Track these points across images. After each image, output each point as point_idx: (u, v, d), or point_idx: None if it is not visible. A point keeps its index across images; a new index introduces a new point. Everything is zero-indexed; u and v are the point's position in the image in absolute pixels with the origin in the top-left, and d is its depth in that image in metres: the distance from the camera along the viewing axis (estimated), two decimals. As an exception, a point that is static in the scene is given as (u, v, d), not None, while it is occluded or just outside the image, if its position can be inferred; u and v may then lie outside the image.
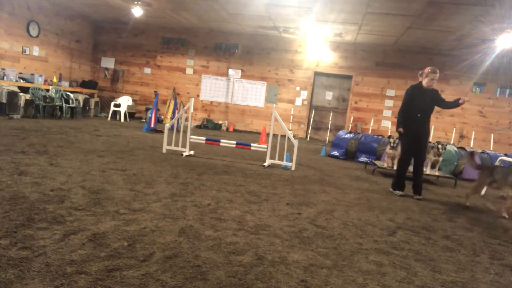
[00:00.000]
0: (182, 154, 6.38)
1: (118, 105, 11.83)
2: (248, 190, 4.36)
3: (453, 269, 2.69)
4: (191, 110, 6.69)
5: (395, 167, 6.62)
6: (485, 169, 4.97)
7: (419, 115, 5.01)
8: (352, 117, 12.19)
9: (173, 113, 10.99)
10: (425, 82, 5.00)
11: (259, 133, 12.05)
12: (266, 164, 6.29)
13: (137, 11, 10.19)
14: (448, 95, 11.53)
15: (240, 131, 12.82)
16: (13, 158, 4.53)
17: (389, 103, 11.96)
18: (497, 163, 6.06)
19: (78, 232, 2.56)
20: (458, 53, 11.20)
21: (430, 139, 11.05)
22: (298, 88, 12.52)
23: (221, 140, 6.54)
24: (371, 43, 11.63)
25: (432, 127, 11.54)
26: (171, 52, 13.21)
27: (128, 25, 12.79)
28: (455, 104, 4.93)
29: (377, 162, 7.14)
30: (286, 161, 6.44)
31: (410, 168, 5.29)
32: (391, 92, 11.92)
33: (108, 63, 13.67)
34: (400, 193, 5.19)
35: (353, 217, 3.75)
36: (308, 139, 12.37)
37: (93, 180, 4.00)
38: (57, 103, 10.06)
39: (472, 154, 5.18)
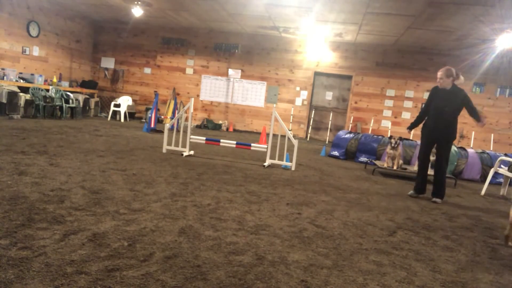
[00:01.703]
0: (182, 154, 6.38)
1: (118, 105, 11.83)
2: (248, 190, 4.36)
3: (453, 269, 2.69)
4: (191, 110, 6.69)
5: (395, 167, 6.65)
6: None
7: (436, 116, 4.87)
8: (352, 117, 12.19)
9: (173, 113, 10.99)
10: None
11: (259, 133, 12.05)
12: (266, 164, 6.29)
13: (137, 11, 10.19)
14: (448, 95, 11.53)
15: (240, 131, 12.82)
16: (13, 158, 4.53)
17: (389, 103, 11.96)
18: (496, 163, 6.06)
19: (78, 232, 2.56)
20: (458, 53, 11.20)
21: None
22: (298, 88, 12.52)
23: (221, 140, 6.54)
24: (371, 43, 11.63)
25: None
26: (171, 52, 13.21)
27: (128, 25, 12.80)
28: (476, 117, 4.79)
29: (377, 162, 7.14)
30: (286, 161, 6.44)
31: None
32: (391, 92, 11.92)
33: (108, 63, 13.67)
34: (410, 192, 5.18)
35: (353, 217, 3.75)
36: (308, 139, 12.37)
37: (93, 180, 4.00)
38: (57, 103, 10.06)
39: None
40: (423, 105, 5.17)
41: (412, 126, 5.24)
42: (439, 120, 4.85)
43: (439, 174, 4.95)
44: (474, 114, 4.83)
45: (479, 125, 4.87)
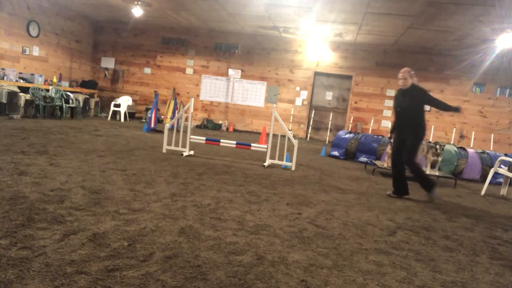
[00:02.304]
0: (182, 154, 6.38)
1: (118, 105, 11.83)
2: (248, 190, 4.36)
3: (453, 269, 2.69)
4: (191, 110, 6.69)
5: (395, 167, 6.63)
6: None
7: (400, 116, 4.99)
8: (352, 117, 12.19)
9: (173, 113, 10.99)
10: None
11: (259, 133, 12.04)
12: (266, 164, 6.29)
13: (137, 11, 10.19)
14: (448, 95, 11.54)
15: (240, 131, 12.82)
16: (13, 158, 4.53)
17: (389, 103, 11.95)
18: (496, 163, 6.05)
19: (78, 232, 2.56)
20: (458, 53, 11.20)
21: (430, 139, 11.07)
22: (298, 88, 12.52)
23: (221, 140, 6.54)
24: (371, 43, 11.63)
25: (432, 127, 11.54)
26: (171, 52, 13.21)
27: (128, 25, 12.79)
28: (452, 108, 4.78)
29: (377, 162, 7.14)
30: (286, 161, 6.44)
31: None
32: (391, 92, 11.91)
33: (108, 63, 13.67)
34: (389, 192, 5.09)
35: (353, 217, 3.75)
36: (308, 139, 12.37)
37: (93, 180, 4.00)
38: (57, 103, 10.06)
39: None
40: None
41: (392, 131, 5.24)
42: (403, 119, 4.92)
43: (397, 171, 4.95)
44: (441, 106, 4.84)
45: (458, 112, 4.92)
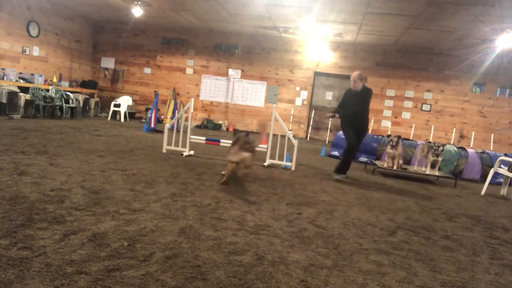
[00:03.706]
0: (182, 154, 6.38)
1: (118, 105, 11.83)
2: (248, 190, 4.36)
3: (453, 269, 2.69)
4: (191, 110, 6.69)
5: (395, 167, 6.65)
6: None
7: (350, 112, 5.75)
8: (352, 117, 12.17)
9: (173, 113, 10.99)
10: None
11: (259, 133, 12.03)
12: (266, 164, 6.29)
13: (137, 11, 10.20)
14: (448, 95, 11.56)
15: (240, 131, 12.80)
16: (13, 158, 4.53)
17: (389, 103, 11.97)
18: (496, 163, 6.05)
19: (78, 232, 2.56)
20: (458, 53, 11.20)
21: (431, 139, 11.07)
22: (298, 88, 12.52)
23: (221, 140, 6.54)
24: (371, 43, 11.63)
25: (432, 127, 11.55)
26: (171, 52, 13.21)
27: (128, 25, 12.80)
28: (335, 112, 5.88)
29: (377, 162, 7.14)
30: (286, 161, 6.44)
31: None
32: (391, 92, 11.92)
33: (108, 63, 13.67)
34: (340, 176, 5.79)
35: (353, 217, 3.75)
36: (308, 139, 12.37)
37: (93, 180, 4.00)
38: (57, 103, 10.06)
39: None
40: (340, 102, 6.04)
41: (341, 116, 5.89)
42: (358, 116, 5.71)
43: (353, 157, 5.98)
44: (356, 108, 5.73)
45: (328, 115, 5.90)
